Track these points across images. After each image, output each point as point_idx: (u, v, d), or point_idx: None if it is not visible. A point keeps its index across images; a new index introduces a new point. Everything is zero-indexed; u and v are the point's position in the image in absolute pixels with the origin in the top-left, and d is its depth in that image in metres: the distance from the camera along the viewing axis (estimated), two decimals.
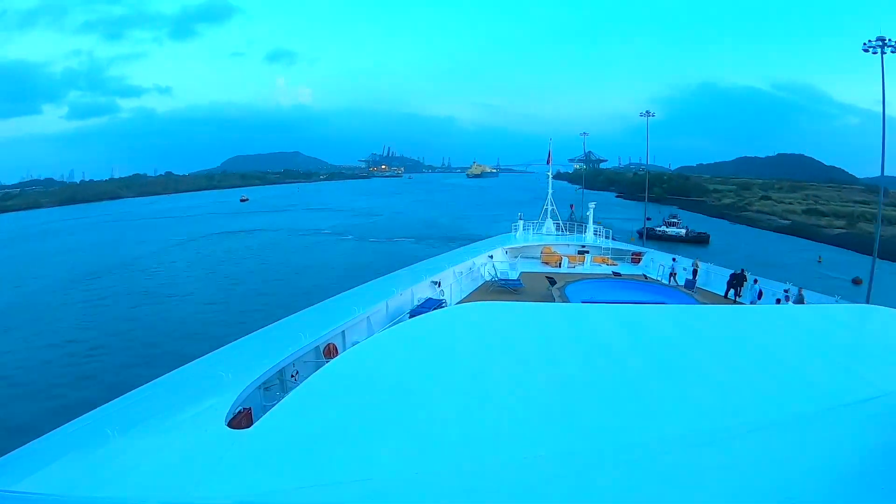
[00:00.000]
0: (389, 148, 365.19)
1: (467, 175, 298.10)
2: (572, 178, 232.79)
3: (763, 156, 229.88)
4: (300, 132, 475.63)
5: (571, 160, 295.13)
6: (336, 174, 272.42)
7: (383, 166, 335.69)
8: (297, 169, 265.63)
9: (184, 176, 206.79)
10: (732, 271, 15.89)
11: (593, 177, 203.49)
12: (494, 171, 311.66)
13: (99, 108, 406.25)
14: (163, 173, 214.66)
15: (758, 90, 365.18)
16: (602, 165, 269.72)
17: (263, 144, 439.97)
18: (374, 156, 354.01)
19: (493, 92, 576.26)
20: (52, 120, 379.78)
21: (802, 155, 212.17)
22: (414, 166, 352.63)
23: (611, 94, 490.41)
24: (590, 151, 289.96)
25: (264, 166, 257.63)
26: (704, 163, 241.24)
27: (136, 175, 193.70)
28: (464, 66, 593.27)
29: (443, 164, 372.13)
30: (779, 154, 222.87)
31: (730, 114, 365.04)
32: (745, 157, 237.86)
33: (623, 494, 2.25)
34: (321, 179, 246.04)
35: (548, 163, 24.94)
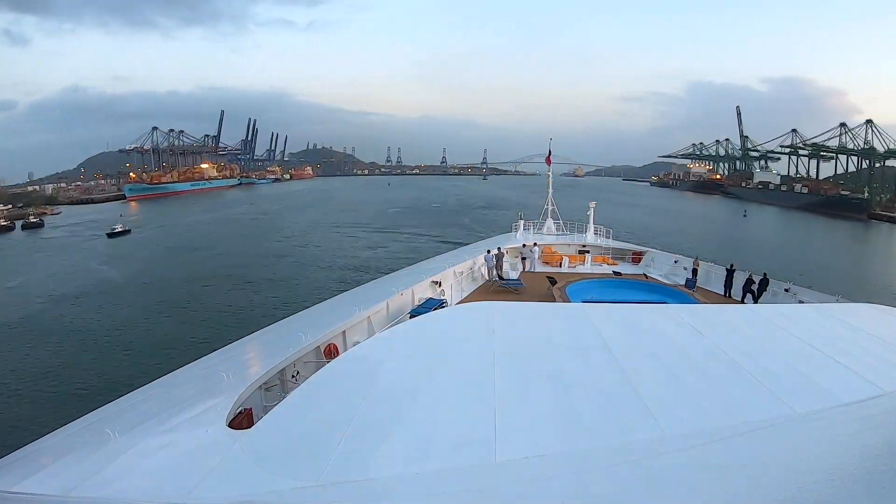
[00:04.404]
0: (257, 129, 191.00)
1: (575, 174, 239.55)
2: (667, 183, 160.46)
3: None
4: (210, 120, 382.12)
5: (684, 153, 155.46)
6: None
7: (206, 163, 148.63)
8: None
9: None
10: (749, 274, 14.75)
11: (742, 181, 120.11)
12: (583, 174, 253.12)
13: None
14: None
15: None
16: (763, 158, 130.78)
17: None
18: (210, 140, 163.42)
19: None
20: None
21: None
22: (339, 164, 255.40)
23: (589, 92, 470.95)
24: (746, 136, 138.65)
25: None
26: None
27: None
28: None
29: (388, 160, 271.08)
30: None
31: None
32: None
33: (622, 494, 2.25)
34: None
35: (547, 162, 24.94)
